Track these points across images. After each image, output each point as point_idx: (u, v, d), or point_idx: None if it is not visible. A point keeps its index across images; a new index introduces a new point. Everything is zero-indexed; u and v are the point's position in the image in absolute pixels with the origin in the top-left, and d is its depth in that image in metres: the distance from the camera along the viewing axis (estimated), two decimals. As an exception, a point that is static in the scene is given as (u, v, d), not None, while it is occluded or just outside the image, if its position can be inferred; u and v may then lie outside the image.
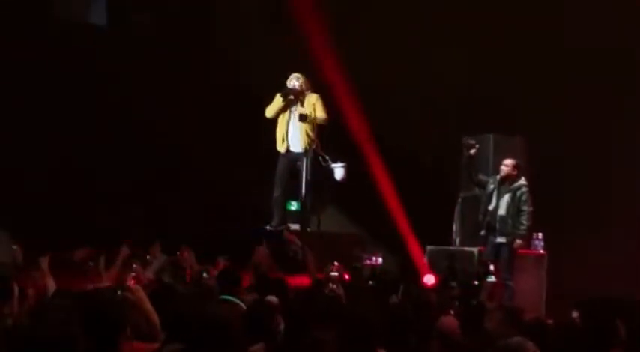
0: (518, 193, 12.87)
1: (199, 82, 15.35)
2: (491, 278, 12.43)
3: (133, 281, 8.82)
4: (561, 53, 14.88)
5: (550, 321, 8.27)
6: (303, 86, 13.51)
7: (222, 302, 8.14)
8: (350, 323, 6.41)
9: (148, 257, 10.68)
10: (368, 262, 11.93)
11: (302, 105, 13.43)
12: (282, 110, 13.56)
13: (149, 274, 9.70)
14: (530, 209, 12.84)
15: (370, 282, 10.40)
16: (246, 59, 15.30)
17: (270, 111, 13.59)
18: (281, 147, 13.58)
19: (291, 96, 13.46)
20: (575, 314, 9.11)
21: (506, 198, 12.88)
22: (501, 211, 12.87)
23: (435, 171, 14.93)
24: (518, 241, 12.81)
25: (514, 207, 12.82)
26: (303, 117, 13.28)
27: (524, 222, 12.79)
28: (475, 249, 13.15)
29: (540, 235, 13.47)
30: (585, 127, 14.67)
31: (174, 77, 15.09)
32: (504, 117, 14.54)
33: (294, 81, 13.51)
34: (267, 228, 13.46)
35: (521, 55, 15.06)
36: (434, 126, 15.08)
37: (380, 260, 11.89)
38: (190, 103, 15.16)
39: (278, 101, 13.51)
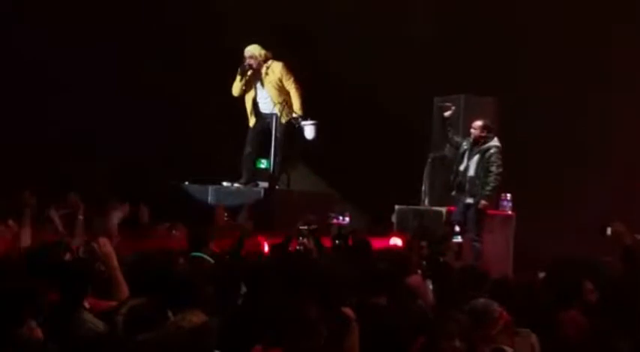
0: (487, 154, 12.83)
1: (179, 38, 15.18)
2: (458, 239, 12.47)
3: None
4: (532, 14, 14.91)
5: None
6: (261, 57, 13.45)
7: (192, 258, 8.18)
8: (318, 281, 6.43)
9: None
10: (335, 221, 11.90)
11: (267, 76, 13.37)
12: (247, 87, 13.54)
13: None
14: (500, 170, 12.78)
15: (337, 242, 10.38)
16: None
17: (235, 90, 13.66)
18: (251, 122, 13.62)
19: (249, 73, 13.43)
20: (541, 275, 9.18)
21: (475, 158, 12.87)
22: (471, 172, 12.86)
23: (406, 131, 14.93)
24: (484, 202, 12.78)
25: (483, 167, 12.80)
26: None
27: (491, 183, 12.76)
28: (443, 209, 13.18)
29: (509, 196, 13.50)
30: (558, 88, 14.70)
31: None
32: (476, 77, 14.54)
33: (250, 54, 13.44)
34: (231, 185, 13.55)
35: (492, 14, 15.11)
36: (405, 85, 15.05)
37: (347, 219, 11.86)
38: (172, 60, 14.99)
39: (239, 79, 13.52)
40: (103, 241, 6.89)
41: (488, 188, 12.75)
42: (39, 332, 5.06)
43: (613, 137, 14.52)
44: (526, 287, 7.55)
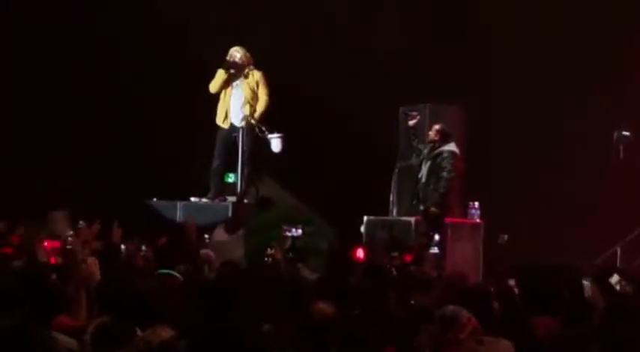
0: (439, 159, 12.81)
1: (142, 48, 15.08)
2: (435, 249, 12.42)
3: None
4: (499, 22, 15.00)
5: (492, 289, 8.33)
6: (244, 60, 13.43)
7: (159, 275, 8.12)
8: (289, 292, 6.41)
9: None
10: (288, 234, 11.72)
11: (246, 78, 13.35)
12: (225, 84, 13.47)
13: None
14: (451, 175, 12.73)
15: (290, 254, 10.27)
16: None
17: (213, 86, 13.52)
18: (224, 123, 13.51)
19: (232, 70, 13.39)
20: (512, 282, 9.17)
21: (428, 165, 12.88)
22: (424, 179, 12.89)
23: (373, 141, 14.92)
24: (433, 209, 12.73)
25: (434, 173, 12.77)
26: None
27: (440, 190, 12.68)
28: (412, 219, 13.16)
29: (477, 204, 13.49)
30: (524, 95, 14.76)
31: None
32: (442, 86, 14.58)
33: (235, 54, 13.43)
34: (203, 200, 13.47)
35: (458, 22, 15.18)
36: (371, 95, 15.07)
37: (300, 231, 11.69)
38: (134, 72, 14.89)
39: (221, 75, 13.44)
40: (93, 261, 6.82)
41: (437, 194, 12.69)
42: None
43: (582, 143, 14.58)
44: (499, 295, 7.53)
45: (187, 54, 14.38)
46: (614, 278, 8.52)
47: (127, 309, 5.72)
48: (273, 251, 9.40)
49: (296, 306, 6.33)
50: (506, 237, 13.18)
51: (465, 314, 5.95)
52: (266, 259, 9.31)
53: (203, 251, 8.92)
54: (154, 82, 14.67)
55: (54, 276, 6.95)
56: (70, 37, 14.59)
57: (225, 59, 13.44)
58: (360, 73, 15.24)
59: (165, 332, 5.13)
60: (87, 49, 14.66)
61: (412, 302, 7.59)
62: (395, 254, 11.14)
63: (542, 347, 6.25)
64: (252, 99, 13.37)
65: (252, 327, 6.07)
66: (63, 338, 5.55)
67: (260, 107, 13.38)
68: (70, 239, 9.61)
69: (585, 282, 8.26)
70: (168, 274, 8.14)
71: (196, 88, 13.70)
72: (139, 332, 5.46)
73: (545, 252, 12.97)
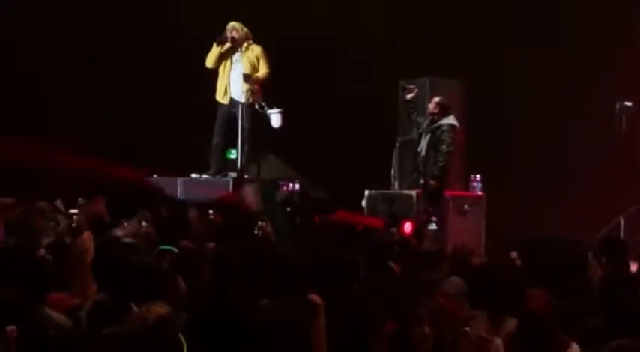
0: (437, 132, 12.78)
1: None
2: (433, 226, 12.40)
3: None
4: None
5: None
6: (241, 34, 13.36)
7: (160, 252, 8.06)
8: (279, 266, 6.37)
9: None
10: (285, 188, 11.41)
11: (245, 53, 13.27)
12: (222, 59, 13.41)
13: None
14: (450, 148, 12.71)
15: (287, 209, 10.11)
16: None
17: (209, 61, 13.48)
18: (223, 99, 13.45)
19: (228, 44, 13.32)
20: (514, 254, 9.15)
21: (427, 138, 12.85)
22: (423, 152, 12.86)
23: (375, 115, 14.87)
24: (432, 182, 12.70)
25: (433, 147, 12.74)
26: (246, 78, 13.12)
27: (439, 163, 12.66)
28: (414, 192, 13.14)
29: (478, 177, 13.47)
30: (526, 68, 14.71)
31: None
32: (443, 60, 14.52)
33: (231, 28, 13.36)
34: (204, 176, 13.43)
35: None
36: (373, 70, 15.02)
37: (297, 186, 11.39)
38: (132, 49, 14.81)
39: (215, 49, 13.38)
40: (88, 235, 6.75)
41: (436, 168, 12.66)
42: None
43: (584, 115, 14.54)
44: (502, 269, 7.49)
45: (183, 28, 14.26)
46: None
47: (124, 286, 5.68)
48: (263, 224, 9.27)
49: (293, 281, 6.29)
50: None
51: (458, 281, 5.97)
52: (256, 232, 9.20)
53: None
54: (152, 58, 14.58)
55: (42, 252, 6.89)
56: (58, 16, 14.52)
57: (221, 33, 13.40)
58: (363, 46, 15.17)
59: (162, 308, 5.09)
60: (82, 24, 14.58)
61: (417, 277, 7.57)
62: (394, 230, 11.11)
63: (541, 320, 6.22)
64: (253, 74, 13.30)
65: (251, 302, 6.06)
66: (56, 316, 5.52)
67: (260, 75, 13.28)
68: (75, 217, 9.56)
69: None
70: (170, 251, 8.10)
71: (198, 64, 13.60)
72: (135, 309, 5.43)
73: (548, 224, 12.94)
